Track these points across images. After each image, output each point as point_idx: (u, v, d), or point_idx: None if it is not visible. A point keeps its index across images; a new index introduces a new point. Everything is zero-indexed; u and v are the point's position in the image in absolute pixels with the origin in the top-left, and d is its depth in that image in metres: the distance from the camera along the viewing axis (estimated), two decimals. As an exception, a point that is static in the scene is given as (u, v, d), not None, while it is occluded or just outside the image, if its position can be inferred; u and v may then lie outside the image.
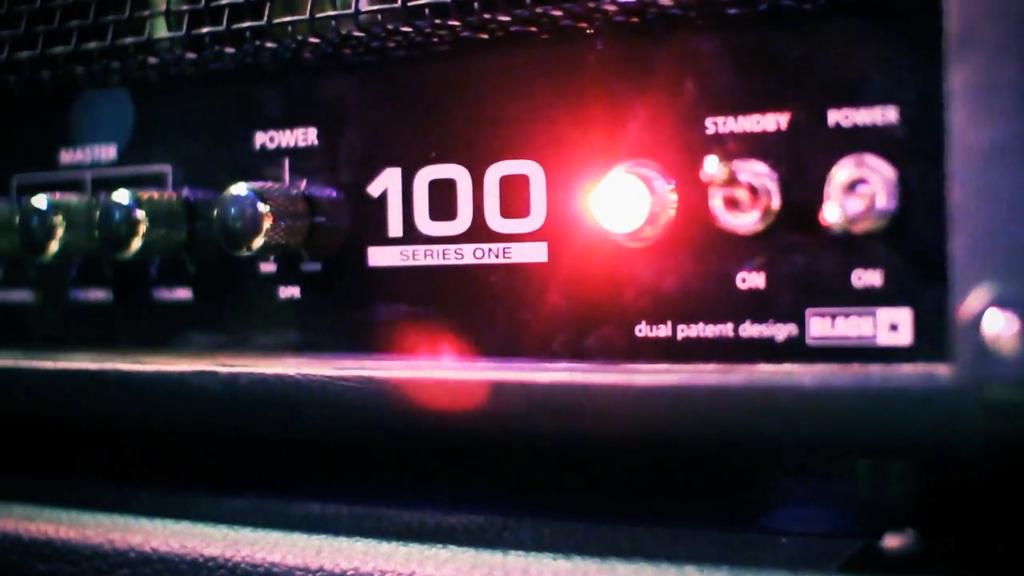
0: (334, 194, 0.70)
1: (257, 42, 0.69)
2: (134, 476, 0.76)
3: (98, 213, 0.72)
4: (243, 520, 0.68)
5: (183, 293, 0.75)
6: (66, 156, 0.80)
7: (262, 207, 0.67)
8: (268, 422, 0.67)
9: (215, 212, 0.68)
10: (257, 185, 0.68)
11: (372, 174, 0.68)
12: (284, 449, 0.73)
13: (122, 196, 0.72)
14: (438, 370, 0.64)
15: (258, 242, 0.67)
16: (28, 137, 0.82)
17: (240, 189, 0.68)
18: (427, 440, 0.65)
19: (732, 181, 0.58)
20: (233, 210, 0.67)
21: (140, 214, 0.71)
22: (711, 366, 0.59)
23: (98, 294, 0.78)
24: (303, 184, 0.70)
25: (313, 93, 0.70)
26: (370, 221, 0.68)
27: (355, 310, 0.69)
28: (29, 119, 0.82)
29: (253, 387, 0.66)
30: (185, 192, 0.74)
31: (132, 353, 0.74)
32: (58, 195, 0.76)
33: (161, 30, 0.74)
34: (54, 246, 0.74)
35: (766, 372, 0.57)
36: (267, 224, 0.67)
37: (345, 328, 0.69)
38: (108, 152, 0.78)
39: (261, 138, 0.72)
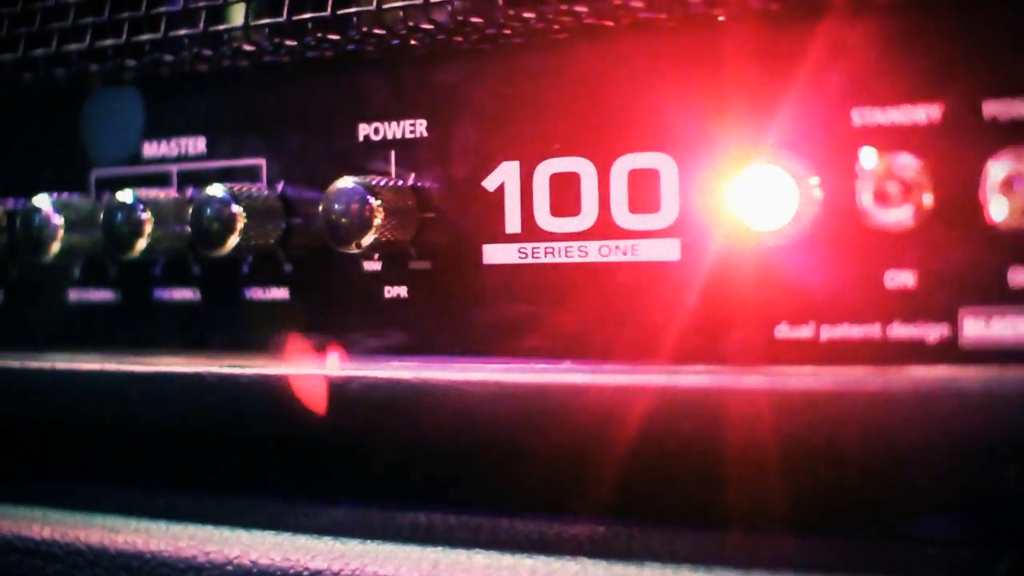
0: (446, 189, 0.69)
1: (365, 28, 0.69)
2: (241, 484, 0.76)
3: (190, 209, 0.72)
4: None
5: (279, 293, 0.75)
6: (150, 149, 0.80)
7: (373, 201, 0.67)
8: (383, 428, 0.67)
9: (321, 207, 0.68)
10: (365, 179, 0.68)
11: (487, 168, 0.68)
12: (384, 456, 0.73)
13: (217, 191, 0.72)
14: (561, 375, 0.64)
15: (368, 239, 0.67)
16: (108, 130, 0.82)
17: (347, 183, 0.68)
18: (551, 448, 0.64)
19: (887, 175, 0.58)
20: (341, 205, 0.67)
21: (236, 210, 0.71)
22: (859, 369, 0.59)
23: (185, 294, 0.78)
24: (411, 178, 0.70)
25: (423, 82, 0.70)
26: (485, 217, 0.68)
27: (468, 311, 0.69)
28: (110, 111, 0.82)
29: (366, 392, 0.66)
30: (281, 186, 0.74)
31: (225, 356, 0.74)
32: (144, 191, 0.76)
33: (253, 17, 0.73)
34: (141, 244, 0.74)
35: (921, 375, 0.57)
36: (377, 220, 0.67)
37: (457, 330, 0.69)
38: (196, 145, 0.78)
39: (365, 130, 0.72)
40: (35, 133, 0.86)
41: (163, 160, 0.79)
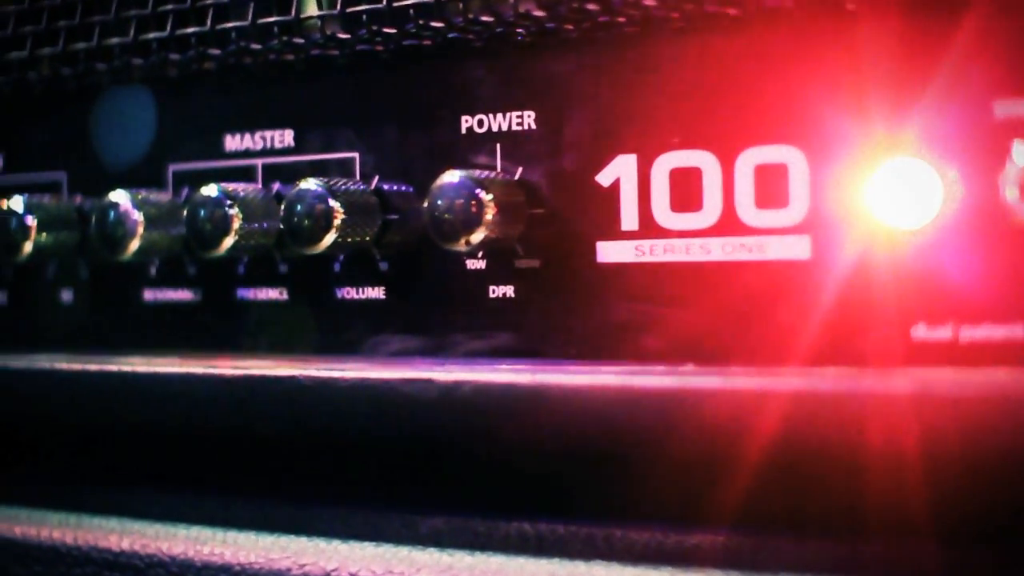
0: (556, 183, 0.69)
1: (471, 15, 0.68)
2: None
3: (283, 204, 0.72)
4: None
5: (373, 292, 0.74)
6: (232, 143, 0.79)
7: (483, 196, 0.66)
8: (494, 434, 0.66)
9: (426, 202, 0.67)
10: (474, 173, 0.67)
11: (601, 161, 0.68)
12: (492, 463, 0.72)
13: (312, 185, 0.71)
14: (687, 380, 0.63)
15: (477, 236, 0.66)
16: (186, 123, 0.81)
17: (455, 176, 0.67)
18: (676, 455, 0.64)
19: (1040, 169, 0.57)
20: (449, 200, 0.67)
21: (334, 205, 0.70)
22: (1003, 371, 0.58)
23: (270, 293, 0.78)
24: (518, 172, 0.70)
25: (531, 72, 0.70)
26: (599, 213, 0.68)
27: (581, 311, 0.68)
28: (188, 104, 0.81)
29: (477, 397, 0.65)
30: (376, 181, 0.74)
31: (318, 358, 0.74)
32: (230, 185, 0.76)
33: (350, 4, 0.73)
34: (228, 241, 0.74)
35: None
36: (489, 215, 0.66)
37: (570, 332, 0.68)
38: (283, 138, 0.77)
39: (468, 122, 0.71)
40: (107, 126, 0.85)
41: (247, 154, 0.79)
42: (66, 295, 0.87)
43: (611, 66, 0.68)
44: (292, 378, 0.71)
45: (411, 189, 0.73)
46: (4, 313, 0.90)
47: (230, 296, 0.80)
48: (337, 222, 0.71)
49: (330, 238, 0.71)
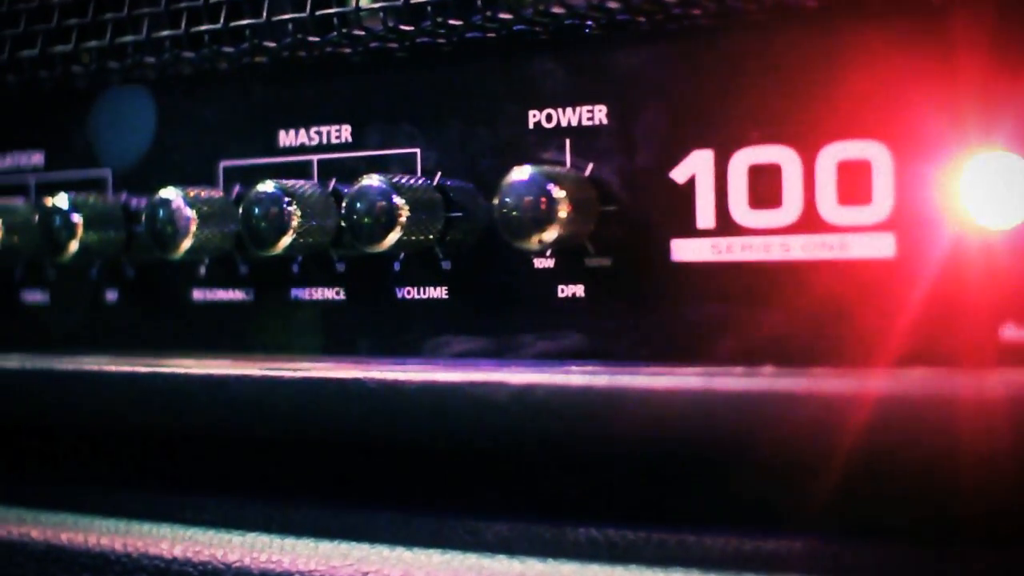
0: (628, 180, 0.69)
1: (541, 7, 0.68)
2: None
3: (344, 201, 0.71)
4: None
5: (435, 292, 0.74)
6: (286, 138, 0.79)
7: (556, 193, 0.66)
8: (567, 439, 0.66)
9: (496, 199, 0.67)
10: (546, 168, 0.67)
11: (676, 157, 0.67)
12: (560, 468, 0.72)
13: (375, 181, 0.71)
14: (770, 382, 0.63)
15: (550, 234, 0.66)
16: (239, 118, 0.81)
17: (525, 172, 0.67)
18: (756, 460, 0.64)
19: None
20: (520, 197, 0.66)
21: (399, 202, 0.70)
22: (1098, 374, 0.58)
23: (325, 292, 0.78)
24: (588, 168, 0.70)
25: (602, 66, 0.69)
26: (673, 210, 0.68)
27: (655, 312, 0.68)
28: (242, 99, 0.81)
29: (550, 400, 0.65)
30: (439, 177, 0.74)
31: (374, 360, 0.74)
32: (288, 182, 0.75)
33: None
34: (285, 240, 0.73)
35: None
36: (563, 213, 0.66)
37: (643, 332, 0.68)
38: (340, 134, 0.77)
39: (536, 116, 0.71)
40: (155, 122, 0.85)
41: (302, 149, 0.79)
42: (111, 295, 0.87)
43: (686, 58, 0.68)
44: (357, 380, 0.71)
45: (474, 186, 0.73)
46: (48, 313, 0.90)
47: (284, 296, 0.80)
48: (402, 219, 0.70)
49: (394, 236, 0.71)
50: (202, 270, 0.83)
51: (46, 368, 0.83)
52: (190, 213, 0.77)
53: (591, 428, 0.65)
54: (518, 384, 0.66)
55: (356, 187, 0.72)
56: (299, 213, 0.74)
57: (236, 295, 0.82)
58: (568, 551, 0.69)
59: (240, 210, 0.75)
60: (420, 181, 0.73)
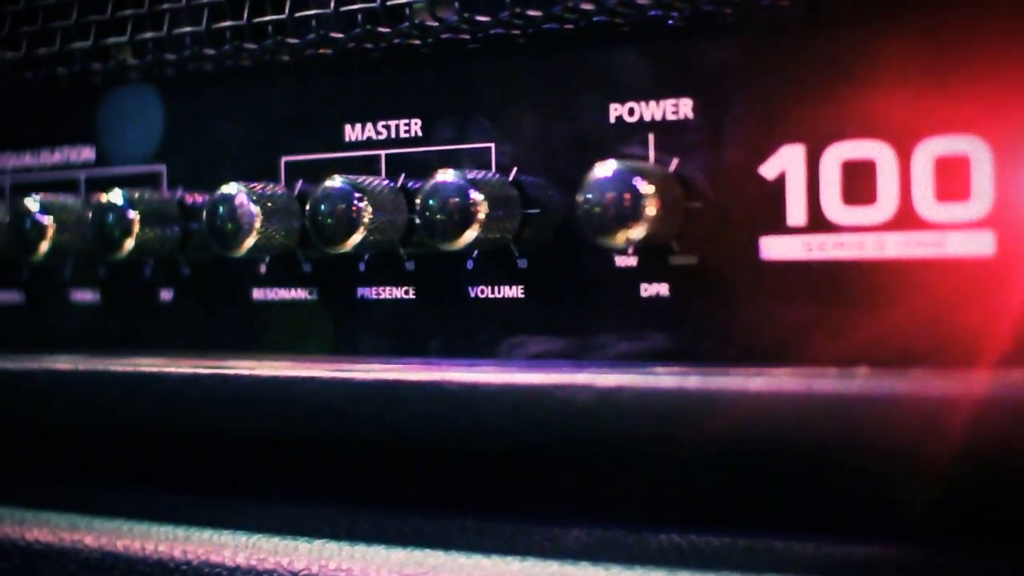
0: (715, 176, 0.69)
1: (623, -2, 0.69)
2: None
3: (419, 198, 0.72)
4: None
5: (511, 291, 0.74)
6: (352, 133, 0.79)
7: (644, 189, 0.67)
8: (655, 442, 0.66)
9: (580, 195, 0.68)
10: (632, 163, 0.68)
11: (765, 152, 0.68)
12: (647, 473, 0.73)
13: (449, 176, 0.71)
14: (866, 383, 0.63)
15: (637, 232, 0.67)
16: (302, 112, 0.82)
17: (609, 168, 0.67)
18: (853, 463, 0.64)
19: None
20: (606, 193, 0.67)
21: (477, 198, 0.71)
22: None
23: (395, 291, 0.78)
24: (673, 164, 0.70)
25: (688, 58, 0.70)
26: (763, 207, 0.68)
27: (743, 311, 0.68)
28: (305, 92, 0.82)
29: (637, 402, 0.66)
30: (514, 173, 0.74)
31: (449, 362, 0.74)
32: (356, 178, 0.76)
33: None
34: (356, 237, 0.74)
35: None
36: (649, 210, 0.67)
37: (731, 333, 0.69)
38: (410, 128, 0.78)
39: (617, 110, 0.72)
40: (213, 116, 0.85)
41: (369, 144, 0.79)
42: (165, 294, 0.87)
43: (776, 51, 0.68)
44: (435, 384, 0.71)
45: (552, 181, 0.74)
46: (98, 313, 0.90)
47: (349, 295, 0.80)
48: (480, 216, 0.71)
49: (471, 234, 0.71)
50: (262, 268, 0.83)
51: (100, 370, 0.84)
52: (254, 209, 0.78)
53: (681, 431, 0.65)
54: (605, 386, 0.67)
55: (431, 182, 0.72)
56: (370, 209, 0.74)
57: (299, 294, 0.82)
58: (652, 558, 0.69)
59: (307, 206, 0.76)
60: (496, 176, 0.74)
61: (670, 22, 0.70)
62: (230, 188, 0.79)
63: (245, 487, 0.83)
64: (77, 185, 0.92)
